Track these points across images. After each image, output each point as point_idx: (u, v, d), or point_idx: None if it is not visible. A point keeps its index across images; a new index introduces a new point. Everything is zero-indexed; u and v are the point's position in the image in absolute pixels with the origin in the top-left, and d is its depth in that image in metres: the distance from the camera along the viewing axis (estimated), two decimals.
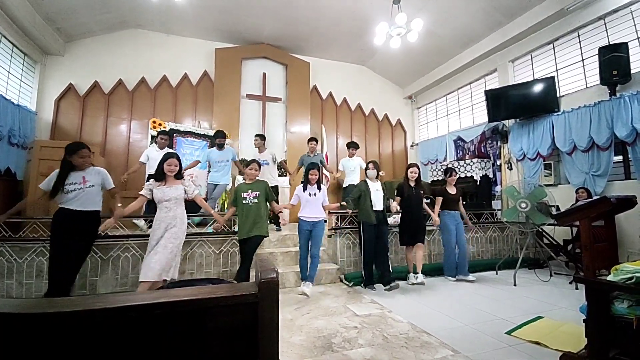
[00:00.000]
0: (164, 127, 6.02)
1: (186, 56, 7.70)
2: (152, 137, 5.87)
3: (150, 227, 3.59)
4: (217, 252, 4.23)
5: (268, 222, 4.17)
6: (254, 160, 3.91)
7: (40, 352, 0.67)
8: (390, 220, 5.17)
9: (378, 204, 4.28)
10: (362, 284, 4.26)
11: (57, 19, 6.23)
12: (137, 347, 0.73)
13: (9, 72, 5.83)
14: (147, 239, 3.84)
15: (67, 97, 6.76)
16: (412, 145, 9.81)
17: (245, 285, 0.84)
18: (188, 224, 3.54)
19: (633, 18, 4.98)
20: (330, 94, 8.92)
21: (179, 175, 3.38)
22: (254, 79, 8.03)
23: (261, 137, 5.70)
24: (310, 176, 4.13)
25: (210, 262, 4.17)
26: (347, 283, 4.39)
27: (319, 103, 8.75)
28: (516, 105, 6.33)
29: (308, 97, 8.40)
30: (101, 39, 7.12)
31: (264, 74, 8.07)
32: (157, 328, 0.74)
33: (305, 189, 4.12)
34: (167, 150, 4.98)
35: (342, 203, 5.17)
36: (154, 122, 6.05)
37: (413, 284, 4.33)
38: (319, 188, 4.15)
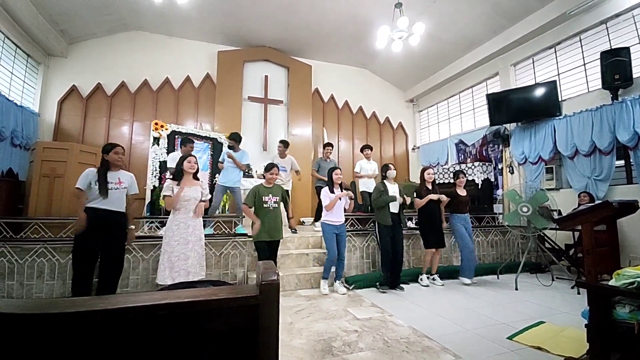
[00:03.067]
0: (166, 129, 6.04)
1: (188, 58, 7.74)
2: (154, 138, 5.88)
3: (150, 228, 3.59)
4: (218, 254, 4.23)
5: None
6: (274, 165, 3.87)
7: (41, 353, 0.67)
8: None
9: (394, 206, 4.32)
10: (377, 284, 4.30)
11: (60, 21, 6.28)
12: (138, 348, 0.73)
13: (12, 73, 5.86)
14: (148, 241, 3.85)
15: (69, 99, 6.80)
16: (413, 149, 9.81)
17: (246, 288, 0.84)
18: None
19: (635, 22, 4.98)
20: (332, 97, 8.94)
21: (196, 176, 3.42)
22: (255, 81, 8.05)
23: (284, 143, 5.74)
24: (334, 176, 4.16)
25: (211, 264, 4.17)
26: (347, 286, 4.38)
27: (320, 106, 8.77)
28: (518, 109, 6.33)
29: (310, 99, 8.41)
30: (104, 41, 7.17)
31: (266, 77, 8.10)
32: (158, 329, 0.74)
33: (331, 191, 4.16)
34: None
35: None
36: (156, 124, 6.06)
37: (427, 285, 4.45)
38: (341, 191, 4.21)
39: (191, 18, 6.94)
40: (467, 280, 4.57)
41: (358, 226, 5.07)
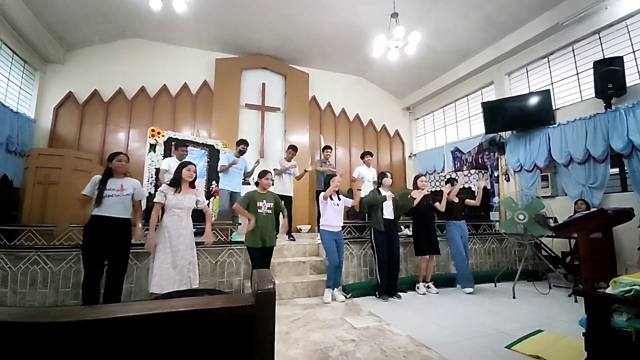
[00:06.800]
0: (163, 136, 6.03)
1: (186, 66, 7.77)
2: (151, 145, 5.86)
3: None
4: (214, 262, 4.19)
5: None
6: (268, 171, 3.92)
7: None
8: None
9: (388, 213, 4.36)
10: (377, 293, 4.27)
11: (58, 28, 6.30)
12: (130, 358, 0.72)
13: (8, 79, 5.85)
14: (143, 249, 3.80)
15: (66, 105, 6.78)
16: (410, 156, 9.86)
17: (242, 297, 0.83)
18: None
19: (629, 32, 5.06)
20: (329, 105, 8.99)
21: (193, 184, 3.42)
22: (253, 89, 8.10)
23: (294, 148, 5.57)
24: (332, 184, 4.19)
25: (207, 273, 4.12)
26: (345, 295, 4.34)
27: (317, 113, 8.81)
28: (513, 117, 6.40)
29: (307, 107, 8.46)
30: (101, 48, 7.19)
31: (264, 84, 8.15)
32: (151, 339, 0.73)
33: (331, 198, 4.20)
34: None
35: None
36: (153, 130, 6.05)
37: (424, 293, 4.43)
38: (339, 197, 4.30)
39: (190, 26, 6.99)
40: (469, 290, 4.49)
41: (355, 233, 5.06)
